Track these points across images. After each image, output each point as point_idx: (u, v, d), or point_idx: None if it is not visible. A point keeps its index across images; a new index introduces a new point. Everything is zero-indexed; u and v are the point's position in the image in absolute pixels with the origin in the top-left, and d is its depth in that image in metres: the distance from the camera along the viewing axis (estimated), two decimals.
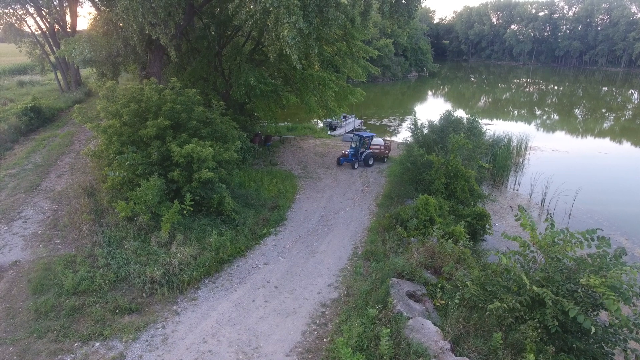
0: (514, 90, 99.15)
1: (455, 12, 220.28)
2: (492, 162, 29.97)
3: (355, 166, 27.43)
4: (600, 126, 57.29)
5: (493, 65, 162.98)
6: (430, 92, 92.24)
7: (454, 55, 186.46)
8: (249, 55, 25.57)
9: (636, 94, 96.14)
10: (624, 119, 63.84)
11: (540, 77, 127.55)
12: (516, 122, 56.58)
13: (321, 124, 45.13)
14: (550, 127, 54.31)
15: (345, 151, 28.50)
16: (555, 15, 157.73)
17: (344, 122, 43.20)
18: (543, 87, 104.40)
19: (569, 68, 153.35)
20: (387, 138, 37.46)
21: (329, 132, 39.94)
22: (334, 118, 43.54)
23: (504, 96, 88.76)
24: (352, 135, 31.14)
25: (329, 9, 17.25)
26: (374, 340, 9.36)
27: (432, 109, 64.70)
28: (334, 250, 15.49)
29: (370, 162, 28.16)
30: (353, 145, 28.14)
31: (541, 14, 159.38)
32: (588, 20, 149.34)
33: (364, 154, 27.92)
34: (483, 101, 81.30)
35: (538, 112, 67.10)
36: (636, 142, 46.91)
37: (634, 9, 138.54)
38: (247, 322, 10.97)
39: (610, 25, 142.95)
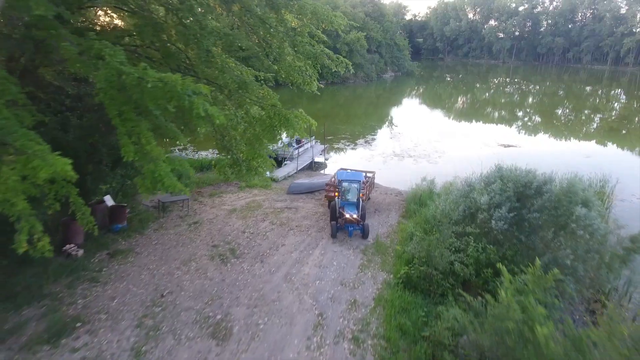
0: (514, 93, 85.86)
1: (429, 7, 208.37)
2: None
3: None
4: None
5: (471, 64, 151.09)
6: (410, 95, 77.64)
7: (429, 53, 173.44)
8: None
9: None
10: None
11: (521, 76, 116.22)
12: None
13: None
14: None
15: (349, 213, 15.62)
16: (537, 10, 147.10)
17: (296, 152, 27.03)
18: (536, 88, 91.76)
19: (552, 66, 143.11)
20: (369, 172, 21.60)
21: (267, 174, 23.54)
22: (280, 144, 27.43)
23: (505, 98, 75.17)
24: (343, 181, 16.55)
25: None
26: None
27: (413, 114, 50.41)
28: None
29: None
30: (350, 197, 16.47)
31: (521, 8, 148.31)
32: (572, 15, 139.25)
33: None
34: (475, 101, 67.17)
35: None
36: None
37: (619, 1, 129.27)
38: None
39: (595, 20, 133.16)
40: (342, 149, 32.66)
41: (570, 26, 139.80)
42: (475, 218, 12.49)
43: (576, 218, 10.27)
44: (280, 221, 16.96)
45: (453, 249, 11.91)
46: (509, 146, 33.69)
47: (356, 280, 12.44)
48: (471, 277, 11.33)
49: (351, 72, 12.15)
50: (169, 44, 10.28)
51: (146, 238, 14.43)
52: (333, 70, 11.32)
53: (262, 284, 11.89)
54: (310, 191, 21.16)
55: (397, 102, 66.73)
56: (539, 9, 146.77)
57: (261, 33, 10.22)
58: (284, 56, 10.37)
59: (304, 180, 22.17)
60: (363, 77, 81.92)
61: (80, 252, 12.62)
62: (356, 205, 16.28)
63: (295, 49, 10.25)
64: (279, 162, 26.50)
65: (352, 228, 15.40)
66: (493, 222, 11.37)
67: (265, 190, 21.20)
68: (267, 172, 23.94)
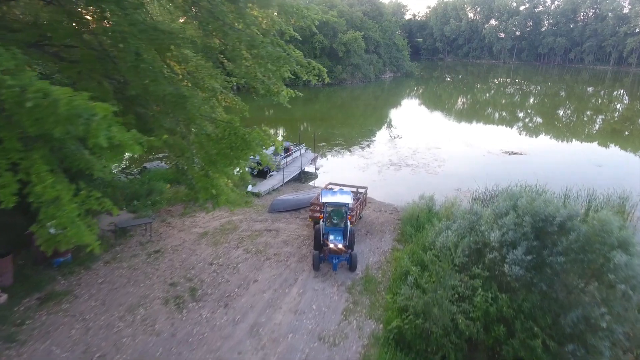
0: (515, 94, 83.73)
1: (429, 7, 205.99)
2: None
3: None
4: None
5: (471, 64, 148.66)
6: (409, 96, 75.41)
7: (429, 53, 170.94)
8: None
9: None
10: None
11: (522, 77, 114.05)
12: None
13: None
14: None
15: (334, 242, 13.23)
16: (538, 9, 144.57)
17: (283, 162, 24.83)
18: (537, 89, 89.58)
19: (553, 66, 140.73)
20: (361, 187, 19.35)
21: (249, 189, 21.30)
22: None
23: (506, 99, 73.02)
24: (327, 204, 14.40)
25: None
26: None
27: (412, 117, 48.02)
28: None
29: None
30: (335, 221, 14.27)
31: (522, 7, 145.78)
32: (574, 15, 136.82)
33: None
34: (491, 108, 64.95)
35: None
36: None
37: (622, 0, 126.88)
38: None
39: (598, 19, 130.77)
40: (335, 157, 30.41)
41: (572, 26, 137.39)
42: (483, 256, 10.27)
43: (614, 267, 8.05)
44: (256, 248, 14.74)
45: (456, 295, 9.71)
46: (513, 154, 31.47)
47: (338, 332, 10.22)
48: (478, 335, 9.11)
49: (323, 80, 9.63)
50: (96, 47, 8.05)
51: (92, 274, 12.19)
52: (304, 79, 9.05)
53: (221, 341, 9.66)
54: (295, 209, 18.94)
55: (396, 104, 64.52)
56: (540, 8, 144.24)
57: (211, 31, 8.01)
58: (240, 59, 8.15)
59: (289, 196, 19.91)
60: (361, 77, 79.72)
61: (4, 297, 10.40)
62: (343, 231, 14.08)
63: (253, 51, 8.03)
64: (264, 173, 24.30)
65: (336, 260, 13.17)
66: (506, 266, 9.15)
67: (245, 208, 18.95)
68: (249, 186, 21.92)
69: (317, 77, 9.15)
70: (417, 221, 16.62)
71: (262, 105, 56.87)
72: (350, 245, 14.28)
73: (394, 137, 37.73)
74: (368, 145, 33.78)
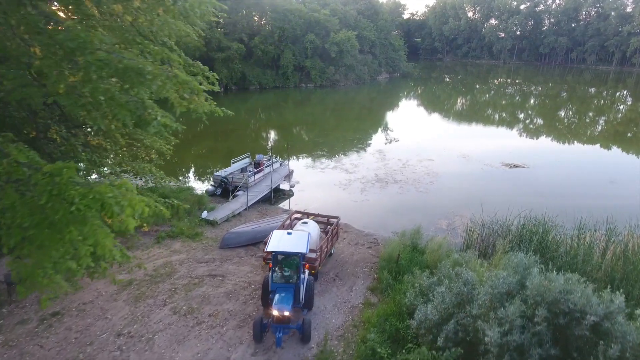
0: (515, 94, 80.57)
1: (427, 6, 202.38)
2: None
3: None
4: None
5: (470, 65, 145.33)
6: (406, 97, 72.19)
7: (427, 53, 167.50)
8: None
9: None
10: None
11: (522, 77, 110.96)
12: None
13: (207, 188, 23.30)
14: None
15: (278, 308, 9.92)
16: (539, 8, 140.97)
17: (253, 178, 21.62)
18: (538, 89, 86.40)
19: (554, 67, 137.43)
20: (332, 217, 15.95)
21: (203, 215, 17.99)
22: (225, 172, 21.97)
23: (506, 100, 69.88)
24: (276, 253, 11.21)
25: None
26: None
27: (405, 123, 44.67)
28: None
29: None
30: (287, 272, 11.03)
31: (523, 6, 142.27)
32: (575, 14, 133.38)
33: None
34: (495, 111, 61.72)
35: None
36: None
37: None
38: None
39: (600, 18, 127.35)
40: (315, 171, 27.07)
41: (573, 25, 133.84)
42: (476, 354, 7.05)
43: None
44: (188, 305, 11.53)
45: None
46: (514, 167, 28.17)
47: None
48: None
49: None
50: None
51: None
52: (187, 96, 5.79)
53: None
54: (252, 243, 15.70)
55: (392, 106, 61.35)
56: (541, 7, 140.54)
57: (14, 26, 4.80)
58: (56, 71, 4.92)
59: (245, 226, 16.57)
60: (355, 79, 76.40)
61: None
62: (295, 288, 10.84)
63: (86, 58, 4.76)
64: (229, 192, 21.06)
65: (281, 334, 9.93)
66: None
67: (192, 242, 15.72)
68: (205, 212, 18.64)
69: (206, 96, 5.90)
70: (397, 265, 13.39)
71: (253, 107, 53.88)
72: (307, 304, 11.11)
73: (387, 142, 34.97)
74: (353, 157, 30.46)
